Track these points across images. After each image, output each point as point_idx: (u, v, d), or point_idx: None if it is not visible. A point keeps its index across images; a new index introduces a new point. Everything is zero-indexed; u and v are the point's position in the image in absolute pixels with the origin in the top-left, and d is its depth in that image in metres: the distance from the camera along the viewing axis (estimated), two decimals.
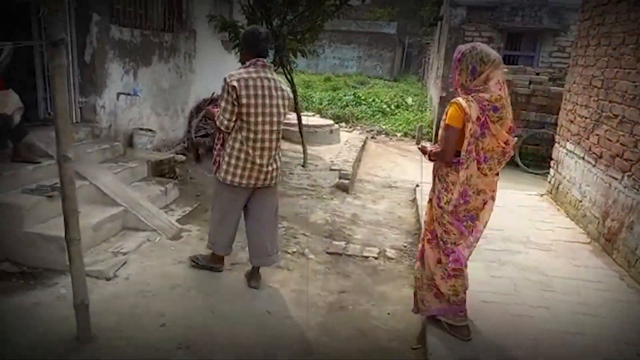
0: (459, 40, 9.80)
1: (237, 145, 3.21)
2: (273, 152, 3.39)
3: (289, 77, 6.88)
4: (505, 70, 2.92)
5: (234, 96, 3.08)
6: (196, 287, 3.56)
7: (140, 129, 6.08)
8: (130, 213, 4.35)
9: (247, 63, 3.21)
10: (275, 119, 3.27)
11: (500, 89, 2.45)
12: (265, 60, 3.26)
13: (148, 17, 6.36)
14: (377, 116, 13.41)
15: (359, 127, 12.34)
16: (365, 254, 4.43)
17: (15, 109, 3.85)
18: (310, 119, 9.81)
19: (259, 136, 3.22)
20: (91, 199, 4.32)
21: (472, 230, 2.65)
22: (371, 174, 7.77)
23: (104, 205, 4.31)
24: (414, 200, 6.17)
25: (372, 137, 11.26)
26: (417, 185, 6.62)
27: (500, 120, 2.45)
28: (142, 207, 4.48)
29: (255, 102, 3.12)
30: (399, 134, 11.93)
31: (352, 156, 7.89)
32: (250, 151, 3.23)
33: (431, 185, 2.81)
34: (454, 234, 2.65)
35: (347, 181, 6.53)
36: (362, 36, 26.44)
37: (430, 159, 2.69)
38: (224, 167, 3.31)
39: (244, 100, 3.08)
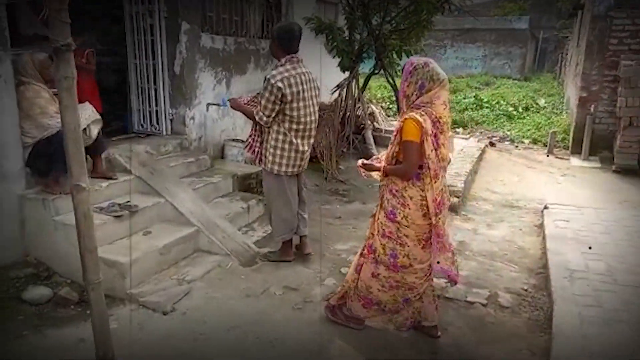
0: (605, 31, 8.15)
1: (281, 137, 3.53)
2: (312, 140, 3.76)
3: (391, 80, 6.15)
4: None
5: (279, 95, 3.38)
6: (256, 330, 3.03)
7: (232, 140, 5.83)
8: (204, 234, 4.01)
9: (283, 60, 3.46)
10: (314, 108, 3.65)
11: (444, 109, 2.56)
12: (298, 55, 3.51)
13: (244, 24, 6.12)
14: (501, 120, 11.92)
15: (478, 134, 11.05)
16: (471, 299, 3.54)
17: (90, 122, 3.70)
18: None
19: (301, 126, 3.56)
20: (166, 218, 4.06)
21: (444, 245, 2.80)
22: (489, 189, 6.67)
23: (178, 225, 4.01)
24: (541, 225, 5.04)
25: (493, 145, 9.95)
26: (546, 207, 5.45)
27: (443, 132, 2.57)
28: (218, 228, 4.12)
29: (298, 97, 3.43)
30: (526, 141, 10.42)
31: (466, 168, 6.86)
32: (294, 140, 3.56)
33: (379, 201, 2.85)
34: (408, 247, 2.71)
35: (456, 199, 5.59)
36: (488, 33, 24.46)
37: (385, 175, 2.73)
38: (271, 158, 3.61)
39: (289, 97, 3.40)
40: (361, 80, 6.82)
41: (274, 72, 3.43)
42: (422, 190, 2.60)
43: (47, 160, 3.49)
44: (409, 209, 2.63)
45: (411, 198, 2.62)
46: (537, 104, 13.07)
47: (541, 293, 3.68)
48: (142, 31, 5.03)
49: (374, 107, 8.05)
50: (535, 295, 3.64)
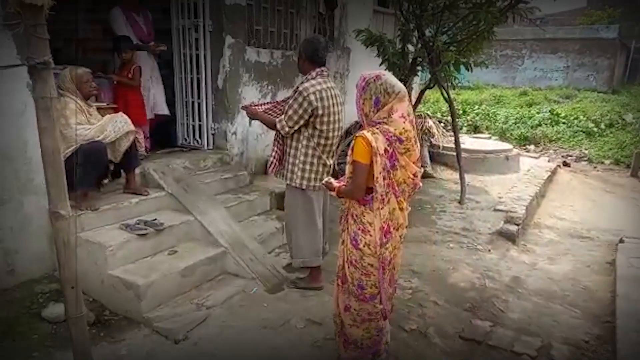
0: None
1: (310, 151, 3.45)
2: (335, 154, 3.76)
3: (446, 95, 5.72)
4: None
5: (309, 109, 3.31)
6: None
7: None
8: (231, 255, 3.84)
9: (314, 73, 3.39)
10: (340, 124, 3.57)
11: (404, 122, 2.38)
12: (326, 69, 3.46)
13: (294, 37, 5.97)
14: (579, 137, 10.93)
15: (551, 152, 10.19)
16: (518, 348, 3.08)
17: (119, 135, 3.66)
18: (483, 142, 8.33)
19: (328, 141, 3.51)
20: (194, 237, 3.95)
21: (390, 279, 2.58)
22: (555, 216, 6.00)
23: (205, 245, 3.89)
24: (613, 262, 4.40)
25: (567, 165, 9.08)
26: (622, 240, 4.77)
27: (408, 152, 2.39)
28: (246, 249, 3.94)
29: (328, 111, 3.37)
30: (607, 162, 9.45)
31: (531, 191, 6.24)
32: (322, 155, 3.50)
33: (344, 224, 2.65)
34: (374, 276, 2.51)
35: (515, 227, 5.05)
36: (572, 43, 22.76)
37: (338, 196, 2.61)
38: (300, 173, 3.51)
39: (320, 111, 3.34)
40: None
41: (306, 85, 3.36)
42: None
43: (71, 175, 3.49)
44: (370, 235, 2.44)
45: (370, 224, 2.44)
46: (623, 119, 11.87)
47: (605, 347, 3.14)
48: (187, 45, 5.03)
49: (431, 122, 7.61)
50: (598, 350, 3.11)
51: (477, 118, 12.43)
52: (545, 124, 11.74)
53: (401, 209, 2.46)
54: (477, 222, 5.29)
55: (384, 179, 2.34)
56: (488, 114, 12.67)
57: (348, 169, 2.48)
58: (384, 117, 2.36)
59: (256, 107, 3.74)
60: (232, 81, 5.11)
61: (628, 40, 24.92)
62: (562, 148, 10.44)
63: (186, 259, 3.64)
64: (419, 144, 2.50)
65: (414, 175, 2.44)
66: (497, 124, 12.08)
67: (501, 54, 22.32)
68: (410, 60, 5.63)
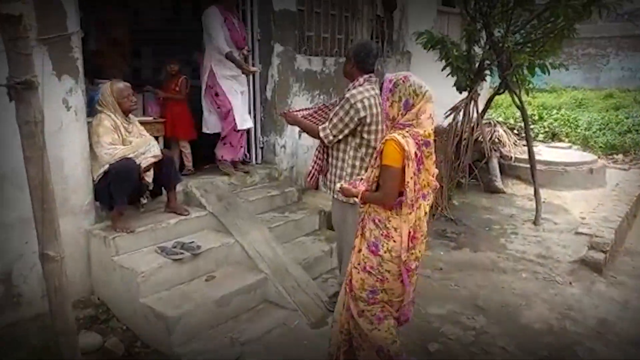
0: None
1: (358, 162, 3.21)
2: None
3: (518, 101, 5.10)
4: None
5: (356, 118, 3.08)
6: None
7: None
8: (272, 283, 3.53)
9: (362, 80, 3.15)
10: (382, 134, 3.23)
11: (432, 123, 2.36)
12: (374, 75, 3.22)
13: (349, 42, 5.61)
14: None
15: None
16: None
17: (146, 162, 3.48)
18: (563, 152, 7.47)
19: (371, 151, 3.19)
20: (234, 260, 3.68)
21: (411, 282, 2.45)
22: None
23: (246, 271, 3.61)
24: None
25: None
26: None
27: (430, 155, 2.37)
28: (289, 276, 3.61)
29: (376, 120, 3.13)
30: None
31: (621, 210, 5.42)
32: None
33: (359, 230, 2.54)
34: (389, 282, 2.42)
35: (601, 254, 4.33)
36: None
37: (362, 202, 2.47)
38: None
39: (368, 119, 3.10)
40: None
41: (354, 92, 3.12)
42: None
43: (106, 195, 3.35)
44: (394, 241, 2.36)
45: (395, 229, 2.35)
46: None
47: None
48: None
49: (501, 130, 6.92)
50: None
51: (556, 124, 11.33)
52: (636, 131, 10.48)
53: (425, 214, 2.40)
54: (556, 248, 4.62)
55: (415, 184, 2.29)
56: (568, 119, 11.53)
57: (373, 173, 2.40)
58: (412, 120, 2.32)
59: (297, 113, 3.44)
60: (281, 91, 4.84)
61: None
62: None
63: (223, 286, 3.37)
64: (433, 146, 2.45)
65: (433, 176, 2.42)
66: (578, 130, 10.93)
67: (583, 52, 20.54)
68: (477, 64, 5.08)
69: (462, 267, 4.26)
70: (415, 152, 2.27)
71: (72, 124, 3.32)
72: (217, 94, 4.41)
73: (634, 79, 21.30)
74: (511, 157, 6.79)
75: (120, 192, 3.34)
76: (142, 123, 4.04)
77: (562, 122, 11.48)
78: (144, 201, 3.67)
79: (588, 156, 7.30)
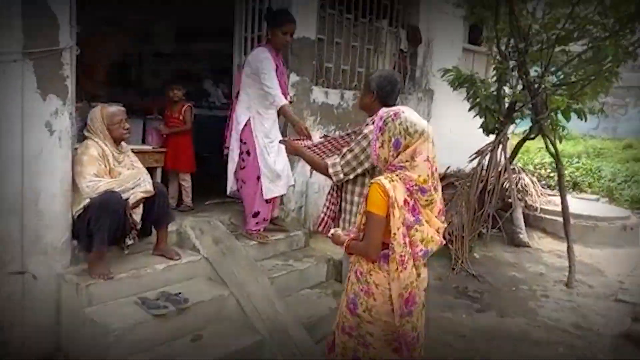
0: None
1: None
2: None
3: (552, 148, 4.65)
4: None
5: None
6: None
7: None
8: (268, 347, 3.02)
9: None
10: None
11: (429, 167, 2.04)
12: None
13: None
14: None
15: None
16: None
17: (136, 197, 3.04)
18: (591, 205, 6.96)
19: None
20: (227, 317, 3.19)
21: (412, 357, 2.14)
22: None
23: (240, 331, 3.11)
24: None
25: None
26: None
27: (430, 204, 2.08)
28: (289, 340, 3.10)
29: None
30: None
31: None
32: None
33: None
34: (374, 349, 2.13)
35: None
36: None
37: (347, 253, 2.26)
38: None
39: None
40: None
41: (372, 127, 2.59)
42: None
43: (85, 233, 2.90)
44: (374, 299, 2.11)
45: (377, 285, 2.10)
46: None
47: None
48: None
49: (527, 179, 6.45)
50: None
51: (577, 173, 10.85)
52: None
53: (418, 275, 2.11)
54: (594, 317, 4.06)
55: (404, 236, 2.01)
56: (590, 169, 11.02)
57: (359, 219, 2.14)
58: (406, 161, 2.04)
59: (300, 143, 2.98)
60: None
61: None
62: None
63: (212, 349, 2.89)
64: (440, 193, 2.15)
65: (436, 230, 2.12)
66: (602, 181, 10.44)
67: (601, 101, 20.03)
68: (507, 105, 4.67)
69: (488, 335, 3.71)
70: (406, 200, 2.02)
71: (54, 151, 2.90)
72: (248, 153, 3.79)
73: None
74: (537, 208, 6.28)
75: (101, 230, 2.88)
76: (139, 152, 3.66)
77: (584, 172, 10.98)
78: (130, 242, 3.19)
79: (620, 211, 6.79)
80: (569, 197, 7.51)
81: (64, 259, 3.00)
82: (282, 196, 4.15)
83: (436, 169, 2.10)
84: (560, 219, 5.99)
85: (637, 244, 6.10)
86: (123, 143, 3.29)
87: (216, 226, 3.76)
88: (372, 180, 2.09)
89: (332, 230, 2.39)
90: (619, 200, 9.17)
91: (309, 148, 2.93)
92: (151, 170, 3.71)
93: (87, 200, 2.92)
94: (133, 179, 3.05)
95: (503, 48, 4.66)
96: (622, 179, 10.34)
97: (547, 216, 6.17)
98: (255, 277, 3.44)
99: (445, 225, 2.23)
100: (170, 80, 6.62)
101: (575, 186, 10.43)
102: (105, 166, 3.07)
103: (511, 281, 4.71)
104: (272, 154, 3.84)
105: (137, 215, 3.16)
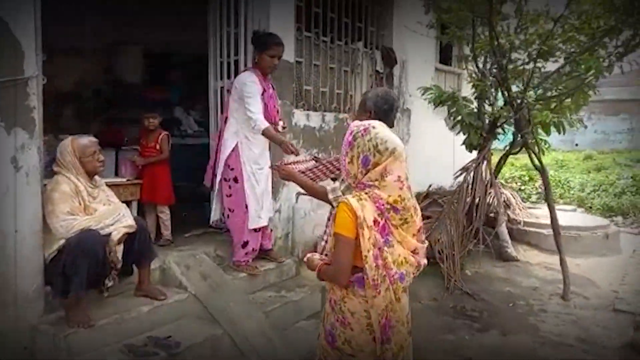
0: None
1: None
2: None
3: (537, 161, 4.64)
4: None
5: None
6: None
7: None
8: None
9: None
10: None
11: (401, 187, 1.90)
12: None
13: (348, 98, 5.18)
14: None
15: None
16: None
17: (118, 234, 2.79)
18: (571, 216, 7.03)
19: None
20: (225, 357, 2.92)
21: None
22: None
23: None
24: None
25: None
26: None
27: (406, 223, 1.93)
28: None
29: None
30: None
31: None
32: None
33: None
34: None
35: None
36: (636, 104, 21.37)
37: (320, 278, 2.06)
38: None
39: None
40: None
41: None
42: (367, 303, 1.92)
43: (60, 277, 2.61)
44: (351, 329, 1.95)
45: (352, 314, 1.94)
46: None
47: None
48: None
49: (508, 193, 6.46)
50: None
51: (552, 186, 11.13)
52: (631, 192, 10.25)
53: (397, 299, 1.94)
54: (595, 329, 3.98)
55: (376, 258, 1.86)
56: (560, 180, 11.30)
57: (330, 241, 1.98)
58: (375, 180, 1.90)
59: (292, 166, 2.80)
60: (276, 149, 4.26)
61: None
62: None
63: None
64: (419, 213, 2.02)
65: (413, 252, 1.97)
66: (572, 192, 10.69)
67: (578, 115, 20.66)
68: (490, 121, 4.66)
69: (494, 356, 3.56)
70: (376, 219, 1.87)
71: (22, 189, 2.65)
72: (235, 180, 3.64)
73: (608, 141, 21.80)
74: (520, 221, 6.28)
75: (79, 273, 2.61)
76: (113, 185, 3.41)
77: (553, 184, 11.23)
78: (109, 284, 2.91)
79: (599, 220, 6.86)
80: (545, 209, 7.60)
81: (37, 308, 2.70)
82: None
83: (409, 188, 1.98)
84: (544, 231, 6.03)
85: (620, 252, 6.15)
86: (97, 177, 3.04)
87: (202, 260, 3.52)
88: (340, 200, 1.95)
89: (308, 255, 2.21)
90: (590, 209, 9.38)
91: (303, 173, 2.76)
92: (126, 204, 3.45)
93: (62, 242, 2.65)
94: (112, 215, 2.80)
95: (481, 66, 4.67)
96: (591, 189, 10.61)
97: (531, 229, 6.17)
98: (248, 312, 3.20)
99: (425, 245, 2.07)
100: (138, 109, 6.42)
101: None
102: (80, 203, 2.81)
103: (507, 297, 4.61)
104: (261, 181, 3.69)
105: (118, 253, 2.89)
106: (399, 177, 1.91)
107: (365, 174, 1.92)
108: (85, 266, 2.60)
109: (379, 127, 1.96)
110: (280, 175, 2.63)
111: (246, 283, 3.59)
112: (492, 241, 5.72)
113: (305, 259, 2.18)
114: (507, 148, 5.11)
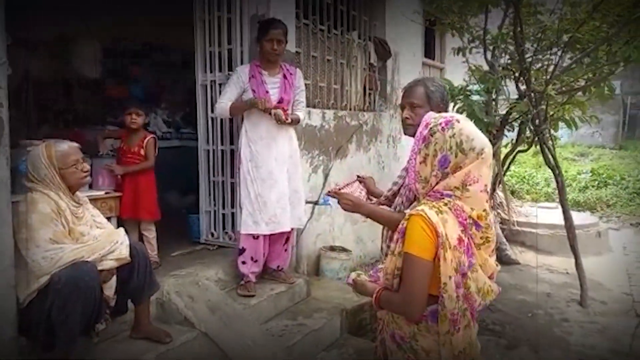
0: None
1: None
2: None
3: (550, 158, 4.40)
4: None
5: None
6: None
7: (331, 248, 4.21)
8: None
9: None
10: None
11: (487, 200, 1.57)
12: None
13: (344, 93, 4.72)
14: (638, 200, 9.65)
15: (614, 219, 8.84)
16: None
17: (112, 264, 2.20)
18: (555, 214, 6.92)
19: None
20: None
21: None
22: None
23: None
24: None
25: None
26: None
27: (487, 242, 1.61)
28: None
29: None
30: None
31: None
32: None
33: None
34: None
35: None
36: None
37: (379, 307, 1.70)
38: None
39: None
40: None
41: None
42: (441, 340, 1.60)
43: (43, 326, 1.99)
44: None
45: (428, 353, 1.60)
46: None
47: None
48: None
49: (500, 193, 6.25)
50: None
51: (513, 181, 11.16)
52: (593, 186, 10.50)
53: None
54: (625, 338, 3.76)
55: (457, 286, 1.53)
56: (524, 177, 11.43)
57: (392, 262, 1.61)
58: (455, 188, 1.55)
59: (344, 189, 2.19)
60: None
61: (624, 96, 24.68)
62: (625, 214, 9.10)
63: None
64: (494, 228, 1.67)
65: (490, 277, 1.66)
66: (537, 187, 10.81)
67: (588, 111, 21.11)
68: (504, 116, 4.37)
69: None
70: (460, 237, 1.53)
71: None
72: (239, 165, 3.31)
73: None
74: (513, 222, 6.09)
75: (69, 321, 2.00)
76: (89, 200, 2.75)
77: (519, 180, 11.34)
78: (102, 327, 2.30)
79: (589, 217, 6.82)
80: (532, 208, 7.48)
81: None
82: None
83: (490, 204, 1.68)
84: (538, 231, 5.89)
85: (611, 250, 6.10)
86: (78, 192, 2.41)
87: (207, 288, 2.94)
88: (411, 212, 1.58)
89: (352, 275, 1.85)
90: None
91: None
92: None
93: (44, 279, 2.01)
94: (110, 243, 2.18)
95: (489, 57, 4.36)
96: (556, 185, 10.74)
97: (524, 229, 6.01)
98: (270, 350, 2.67)
99: (499, 268, 1.74)
100: (98, 108, 5.65)
101: (514, 194, 10.68)
102: (64, 226, 2.17)
103: (523, 306, 4.33)
104: (260, 183, 3.22)
105: (109, 289, 2.29)
106: (485, 186, 1.58)
107: (442, 178, 1.58)
108: (79, 310, 1.99)
109: (463, 122, 1.61)
110: (343, 206, 2.02)
111: (257, 311, 3.04)
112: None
113: (351, 281, 1.84)
114: (514, 144, 4.89)
